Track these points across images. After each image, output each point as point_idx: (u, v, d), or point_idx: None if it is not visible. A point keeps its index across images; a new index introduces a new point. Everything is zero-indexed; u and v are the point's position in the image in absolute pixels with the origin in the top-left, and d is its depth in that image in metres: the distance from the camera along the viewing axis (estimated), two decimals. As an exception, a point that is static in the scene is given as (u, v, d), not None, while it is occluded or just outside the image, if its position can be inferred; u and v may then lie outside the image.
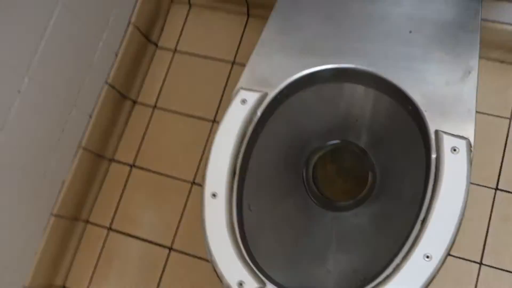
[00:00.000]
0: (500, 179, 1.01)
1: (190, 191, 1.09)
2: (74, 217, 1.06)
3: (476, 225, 0.99)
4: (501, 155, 1.02)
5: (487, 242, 0.97)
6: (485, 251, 0.97)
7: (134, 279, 1.04)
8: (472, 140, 0.59)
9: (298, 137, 0.79)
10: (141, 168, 1.13)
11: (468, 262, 0.97)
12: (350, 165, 0.86)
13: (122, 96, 1.13)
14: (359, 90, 0.71)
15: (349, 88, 0.71)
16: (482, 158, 1.02)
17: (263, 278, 0.58)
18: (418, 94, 0.63)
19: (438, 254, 0.55)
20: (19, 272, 0.92)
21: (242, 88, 0.66)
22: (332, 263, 0.70)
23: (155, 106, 1.17)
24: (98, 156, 1.09)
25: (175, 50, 1.20)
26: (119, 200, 1.11)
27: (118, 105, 1.12)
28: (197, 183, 1.10)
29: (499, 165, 1.01)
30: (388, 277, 0.55)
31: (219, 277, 0.58)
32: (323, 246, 0.73)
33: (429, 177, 0.59)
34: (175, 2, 1.23)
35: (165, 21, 1.22)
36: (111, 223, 1.10)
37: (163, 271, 1.05)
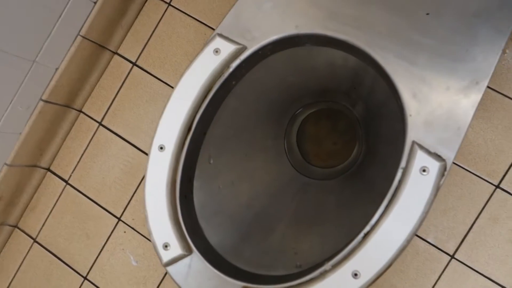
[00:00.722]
0: (504, 178, 0.92)
1: (185, 104, 1.06)
2: (67, 104, 1.05)
3: (461, 217, 0.93)
4: (517, 152, 0.92)
5: (467, 238, 0.92)
6: (461, 246, 0.92)
7: (116, 179, 1.07)
8: (450, 163, 0.51)
9: (285, 93, 0.72)
10: (142, 69, 1.08)
11: (440, 252, 0.93)
12: (338, 131, 0.79)
13: (134, -13, 1.05)
14: (350, 58, 0.62)
15: (337, 54, 0.62)
16: (495, 150, 0.92)
17: (192, 246, 0.56)
18: (409, 92, 0.53)
19: (367, 274, 0.51)
20: (1, 150, 0.95)
21: (219, 34, 0.58)
22: (277, 238, 0.68)
23: (170, 4, 1.08)
24: (99, 47, 1.05)
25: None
26: (115, 97, 1.09)
27: (128, -4, 1.05)
28: (193, 98, 1.06)
29: (510, 163, 0.92)
30: (315, 280, 0.52)
31: (149, 233, 0.57)
32: (276, 216, 0.70)
33: (390, 186, 0.53)
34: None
35: None
36: (102, 119, 1.09)
37: (142, 178, 1.06)
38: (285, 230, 0.69)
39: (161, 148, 0.57)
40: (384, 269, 0.51)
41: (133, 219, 1.06)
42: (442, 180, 0.51)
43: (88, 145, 1.10)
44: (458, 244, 0.93)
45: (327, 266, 0.53)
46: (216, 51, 0.58)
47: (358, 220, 0.58)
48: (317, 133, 0.82)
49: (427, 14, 0.54)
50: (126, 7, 1.05)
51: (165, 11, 1.09)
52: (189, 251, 0.56)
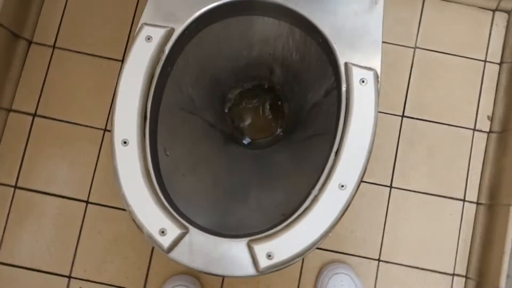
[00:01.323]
0: (406, 107, 1.06)
1: (102, 139, 1.03)
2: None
3: (386, 152, 1.05)
4: (407, 83, 1.07)
5: (396, 166, 1.04)
6: (394, 175, 1.04)
7: (52, 238, 0.99)
8: (379, 70, 0.60)
9: (212, 75, 0.76)
10: (45, 117, 1.04)
11: (380, 186, 1.04)
12: (266, 102, 0.86)
13: (14, 35, 1.01)
14: (271, 22, 0.69)
15: (260, 21, 0.69)
16: (389, 87, 1.06)
17: (185, 223, 0.57)
18: (327, 26, 0.62)
19: (351, 182, 0.57)
20: None
21: (145, 23, 0.61)
22: (253, 201, 0.71)
23: (54, 46, 1.06)
24: (-8, 107, 0.98)
25: (72, -18, 1.08)
26: (23, 154, 1.02)
27: (11, 45, 1.00)
28: (109, 129, 1.04)
29: (405, 93, 1.07)
30: (307, 209, 0.56)
31: (139, 227, 0.56)
32: (244, 185, 0.73)
33: (340, 109, 0.60)
34: None
35: None
36: (16, 181, 1.01)
37: (81, 226, 1.00)
38: (257, 194, 0.72)
39: (125, 142, 0.57)
40: (363, 171, 0.57)
41: (85, 271, 0.99)
42: (378, 85, 0.60)
43: (8, 215, 1.01)
44: (391, 174, 1.04)
45: (315, 191, 0.58)
46: (148, 38, 0.60)
47: (320, 155, 0.64)
48: (244, 115, 0.87)
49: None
50: (9, 60, 1.01)
51: (52, 54, 1.06)
52: (186, 229, 0.57)
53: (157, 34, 0.60)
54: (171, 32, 0.61)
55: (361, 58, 0.60)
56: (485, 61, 1.08)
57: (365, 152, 0.57)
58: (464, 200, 1.04)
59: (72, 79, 1.05)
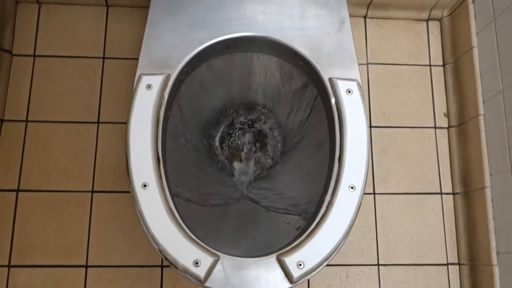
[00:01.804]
0: (371, 118, 1.15)
1: (91, 201, 1.03)
2: (-36, 262, 0.93)
3: (363, 161, 1.12)
4: (368, 97, 1.16)
5: (375, 173, 1.12)
6: (375, 181, 1.11)
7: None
8: (359, 80, 0.68)
9: (202, 114, 0.80)
10: (29, 191, 1.02)
11: (365, 195, 1.09)
12: (257, 132, 0.90)
13: (-14, 116, 1.01)
14: (250, 56, 0.75)
15: (241, 57, 0.75)
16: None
17: (216, 252, 0.59)
18: (306, 48, 0.69)
19: (359, 182, 0.62)
20: None
21: (143, 74, 0.65)
22: (264, 223, 0.74)
23: (27, 120, 1.07)
24: (-27, 189, 0.96)
25: (34, 55, 1.10)
26: (12, 231, 1.00)
27: (-16, 127, 1.00)
28: (97, 190, 1.04)
29: (368, 106, 1.16)
30: (324, 214, 0.61)
31: (172, 263, 0.58)
32: (252, 211, 0.77)
33: (333, 120, 0.66)
34: (21, 1, 1.12)
35: (14, 24, 1.11)
36: (9, 261, 0.98)
37: (84, 288, 0.98)
38: (267, 216, 0.76)
39: (145, 185, 0.60)
40: (367, 171, 0.63)
41: (96, 338, 0.97)
42: (362, 93, 0.67)
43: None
44: (372, 182, 1.11)
45: (327, 197, 0.63)
46: (149, 86, 0.64)
47: (316, 171, 0.69)
48: (238, 150, 0.91)
49: (286, -5, 0.72)
50: (-16, 141, 1.00)
51: (26, 128, 1.06)
52: (217, 256, 0.59)
53: (156, 81, 0.64)
54: (167, 78, 0.66)
55: (342, 71, 0.68)
56: (430, 65, 1.20)
57: (365, 153, 0.63)
58: (441, 193, 1.12)
59: (51, 148, 1.05)
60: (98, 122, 1.08)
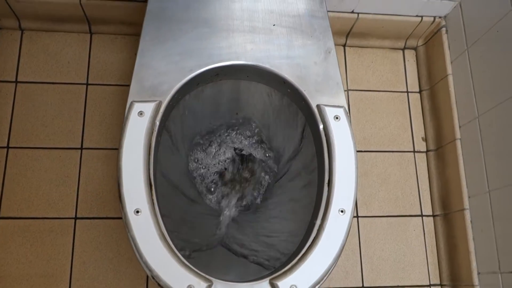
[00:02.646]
0: (354, 141, 1.18)
1: (74, 228, 1.02)
2: None
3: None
4: (350, 121, 1.19)
5: (358, 197, 1.14)
6: (358, 205, 1.13)
7: None
8: (346, 107, 0.70)
9: (190, 141, 0.81)
10: (10, 218, 1.00)
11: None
12: (243, 160, 0.91)
13: (-34, 143, 0.99)
14: (239, 84, 0.77)
15: (229, 84, 0.76)
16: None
17: (208, 277, 0.59)
18: (294, 76, 0.71)
19: (349, 206, 0.64)
20: None
21: (134, 101, 0.66)
22: (259, 252, 0.75)
23: (8, 147, 1.05)
24: (-48, 217, 0.94)
25: (16, 82, 1.10)
26: (-9, 260, 0.97)
27: (-36, 154, 0.98)
28: (80, 217, 1.03)
29: (351, 129, 1.19)
30: (315, 238, 0.62)
31: (166, 289, 0.58)
32: (244, 239, 0.77)
33: (322, 145, 0.68)
34: (3, 28, 1.11)
35: (-4, 51, 1.10)
36: (-11, 289, 0.95)
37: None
38: (255, 245, 0.77)
39: (137, 212, 0.60)
40: (356, 194, 0.64)
41: None
42: (349, 119, 0.69)
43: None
44: (352, 203, 1.13)
45: (318, 221, 0.64)
46: (140, 113, 0.65)
47: (307, 198, 0.71)
48: (225, 182, 0.91)
49: (274, 25, 0.74)
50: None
51: (7, 155, 1.05)
52: (210, 281, 0.59)
53: (148, 108, 0.65)
54: (159, 105, 0.66)
55: (329, 99, 0.70)
56: (407, 91, 1.25)
57: (353, 177, 0.65)
58: (422, 215, 1.15)
59: (32, 175, 1.04)
60: (81, 148, 1.07)
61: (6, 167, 1.04)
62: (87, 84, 1.12)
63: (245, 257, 0.74)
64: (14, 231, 0.99)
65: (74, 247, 1.00)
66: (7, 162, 1.04)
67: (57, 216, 1.02)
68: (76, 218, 1.02)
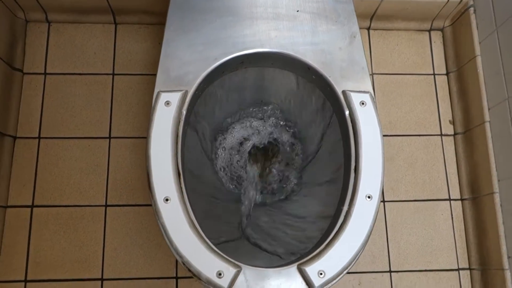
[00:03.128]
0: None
1: (105, 216, 1.05)
2: (-18, 279, 0.94)
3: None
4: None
5: (384, 182, 1.13)
6: (384, 190, 1.12)
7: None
8: (372, 92, 0.69)
9: (216, 130, 0.82)
10: (44, 206, 1.04)
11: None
12: (270, 150, 0.91)
13: (0, 133, 1.02)
14: (264, 72, 0.77)
15: (254, 71, 0.77)
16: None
17: (237, 263, 0.60)
18: (319, 63, 0.71)
19: (376, 192, 0.64)
20: None
21: (161, 91, 0.66)
22: (289, 234, 0.75)
23: (39, 137, 1.08)
24: (-12, 206, 0.98)
25: (45, 73, 1.12)
26: (28, 246, 1.01)
27: (-2, 145, 1.02)
28: (111, 204, 1.05)
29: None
30: (343, 224, 0.62)
31: (195, 275, 0.59)
32: (271, 227, 0.78)
33: (348, 131, 0.67)
34: (30, 21, 1.14)
35: (24, 43, 1.13)
36: (26, 275, 0.99)
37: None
38: (283, 229, 0.77)
39: (167, 200, 0.62)
40: (383, 180, 0.64)
41: None
42: (375, 105, 0.69)
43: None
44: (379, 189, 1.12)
45: (345, 207, 0.64)
46: (167, 103, 0.66)
47: (334, 184, 0.71)
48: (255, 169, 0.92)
49: (297, 11, 0.74)
50: (-2, 159, 1.02)
51: (38, 145, 1.08)
52: (239, 267, 0.61)
53: (174, 98, 0.66)
54: (185, 94, 0.67)
55: (355, 84, 0.70)
56: (433, 74, 1.22)
57: (380, 162, 0.65)
58: (450, 199, 1.14)
59: (63, 164, 1.07)
60: (109, 137, 1.09)
61: (38, 157, 1.07)
62: (113, 74, 1.14)
63: (267, 251, 0.75)
64: (48, 219, 1.03)
65: (106, 234, 1.03)
66: (39, 152, 1.07)
67: (88, 204, 1.05)
68: (106, 205, 1.05)
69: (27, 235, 1.02)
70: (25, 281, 0.99)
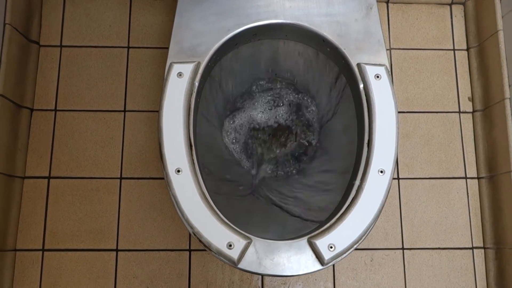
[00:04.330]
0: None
1: (120, 188, 1.06)
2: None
3: (386, 146, 1.12)
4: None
5: (399, 158, 1.12)
6: (399, 166, 1.11)
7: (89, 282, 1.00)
8: (388, 65, 0.68)
9: (230, 102, 0.82)
10: (60, 178, 1.06)
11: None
12: (284, 123, 0.91)
13: (17, 105, 1.03)
14: (278, 43, 0.76)
15: (268, 44, 0.75)
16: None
17: (248, 235, 0.61)
18: (334, 35, 0.69)
19: (389, 166, 0.63)
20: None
21: (173, 62, 0.66)
22: (302, 207, 0.76)
23: (56, 109, 1.09)
24: (6, 177, 0.99)
25: (61, 46, 1.12)
26: (45, 216, 1.03)
27: (15, 115, 1.03)
28: (125, 177, 1.07)
29: (393, 89, 1.15)
30: (354, 198, 0.62)
31: (206, 246, 0.60)
32: (281, 200, 0.78)
33: (362, 105, 0.66)
34: (47, -6, 1.14)
35: (40, 16, 1.13)
36: (43, 245, 1.02)
37: (116, 273, 1.01)
38: (294, 203, 0.77)
39: (178, 171, 0.62)
40: (396, 155, 0.63)
41: (127, 319, 1.00)
42: (391, 78, 0.67)
43: (40, 282, 1.01)
44: (397, 167, 1.11)
45: (357, 181, 0.63)
46: (180, 74, 0.65)
47: (347, 158, 0.70)
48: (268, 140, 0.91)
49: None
50: (16, 130, 1.03)
51: (55, 117, 1.09)
52: (249, 239, 0.61)
53: (187, 69, 0.66)
54: (198, 66, 0.67)
55: (370, 57, 0.68)
56: (453, 49, 1.19)
57: (394, 137, 0.64)
58: (466, 178, 1.12)
59: (79, 137, 1.08)
60: (124, 111, 1.10)
61: (54, 129, 1.08)
62: (128, 48, 1.13)
63: (281, 207, 0.75)
64: (64, 190, 1.05)
65: (120, 206, 1.05)
66: (55, 124, 1.08)
67: (104, 176, 1.06)
68: (121, 178, 1.06)
69: (44, 206, 1.04)
70: (43, 250, 1.02)
